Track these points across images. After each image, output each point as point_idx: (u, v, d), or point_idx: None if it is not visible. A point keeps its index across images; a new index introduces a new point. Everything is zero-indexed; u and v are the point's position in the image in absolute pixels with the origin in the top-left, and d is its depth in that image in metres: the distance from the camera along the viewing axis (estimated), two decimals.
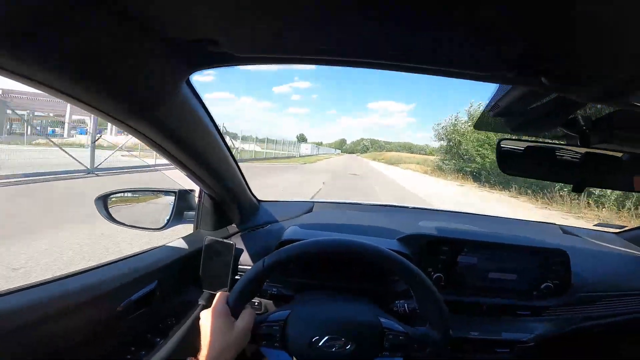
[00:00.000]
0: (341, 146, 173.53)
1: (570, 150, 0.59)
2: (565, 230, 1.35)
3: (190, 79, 0.53)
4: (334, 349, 0.64)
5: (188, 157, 0.68)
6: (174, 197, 0.97)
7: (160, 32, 0.39)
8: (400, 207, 1.45)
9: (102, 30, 0.35)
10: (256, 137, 22.57)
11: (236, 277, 0.93)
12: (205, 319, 0.62)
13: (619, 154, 0.61)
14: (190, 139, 0.64)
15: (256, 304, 0.95)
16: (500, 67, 0.40)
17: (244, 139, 20.79)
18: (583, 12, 0.29)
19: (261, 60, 0.47)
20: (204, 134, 0.67)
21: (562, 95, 0.49)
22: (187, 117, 0.59)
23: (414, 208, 1.45)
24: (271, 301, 0.94)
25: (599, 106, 0.59)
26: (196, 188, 0.98)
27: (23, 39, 0.30)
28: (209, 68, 0.50)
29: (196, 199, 1.00)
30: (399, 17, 0.33)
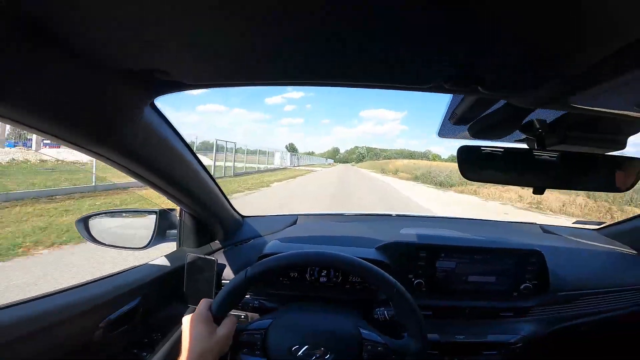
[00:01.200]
0: (334, 155, 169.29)
1: (528, 153, 0.61)
2: (545, 229, 1.37)
3: (154, 102, 0.55)
4: (313, 358, 0.66)
5: (159, 178, 0.69)
6: (155, 217, 0.98)
7: (112, 64, 0.40)
8: (384, 215, 1.47)
9: (52, 66, 0.37)
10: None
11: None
12: (188, 323, 0.63)
13: (576, 155, 0.64)
14: (159, 161, 0.65)
15: (242, 317, 0.95)
16: (436, 79, 0.42)
17: None
18: (507, 19, 0.31)
19: (214, 85, 0.49)
20: (173, 155, 0.68)
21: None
22: (154, 140, 0.60)
23: (397, 215, 1.46)
24: (256, 314, 0.95)
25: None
26: (177, 207, 0.99)
27: None
28: (166, 93, 0.52)
29: (177, 218, 1.01)
30: (339, 39, 0.35)
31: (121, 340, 0.76)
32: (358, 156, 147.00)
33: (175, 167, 0.71)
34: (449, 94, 0.58)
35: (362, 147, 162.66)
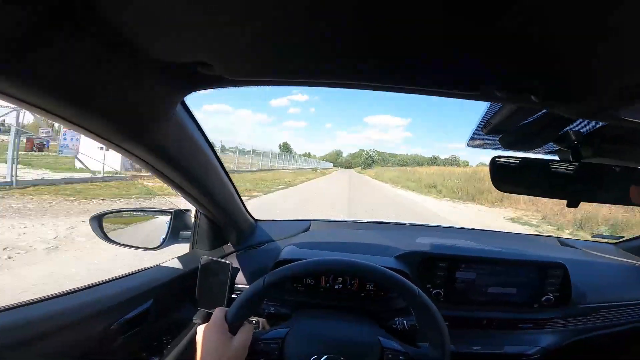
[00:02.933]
0: (336, 159, 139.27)
1: (563, 165, 0.60)
2: (563, 242, 1.35)
3: (184, 99, 0.54)
4: None
5: (184, 179, 0.68)
6: (169, 217, 0.97)
7: (153, 57, 0.39)
8: (397, 223, 1.45)
9: (95, 57, 0.35)
10: None
11: (232, 295, 0.93)
12: (203, 333, 0.61)
13: (612, 168, 0.62)
14: (186, 161, 0.64)
15: (254, 322, 0.93)
16: (489, 87, 0.41)
17: None
18: (567, 31, 0.30)
19: (255, 82, 0.47)
20: (200, 156, 0.67)
21: (552, 112, 0.49)
22: (183, 139, 0.59)
23: (410, 224, 1.44)
24: (269, 320, 0.93)
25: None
26: (192, 208, 0.98)
27: (14, 61, 0.30)
28: (203, 89, 0.51)
29: (192, 219, 1.00)
30: (391, 41, 0.34)
31: (132, 343, 0.75)
32: (365, 160, 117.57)
33: (199, 168, 0.69)
34: (484, 103, 0.56)
35: (372, 150, 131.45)
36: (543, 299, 0.96)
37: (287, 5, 0.29)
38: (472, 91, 0.43)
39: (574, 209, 0.61)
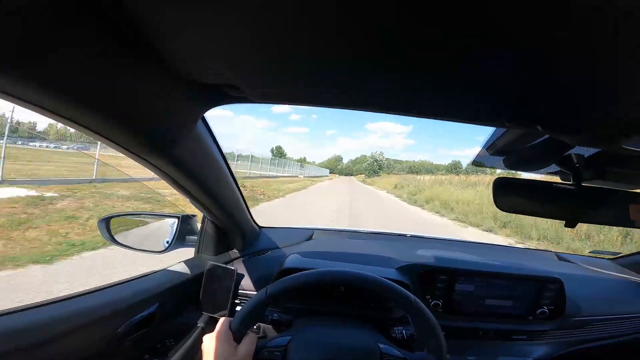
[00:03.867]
0: (335, 165, 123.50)
1: (563, 187, 0.62)
2: (561, 257, 1.37)
3: (204, 115, 0.56)
4: None
5: (197, 187, 0.70)
6: (176, 222, 0.98)
7: (184, 76, 0.41)
8: (399, 235, 1.47)
9: (131, 74, 0.37)
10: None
11: (236, 301, 0.94)
12: (208, 342, 0.62)
13: (610, 190, 0.64)
14: (202, 172, 0.66)
15: (254, 327, 0.95)
16: (500, 117, 0.43)
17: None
18: (570, 67, 0.32)
19: (277, 102, 0.50)
20: (215, 167, 0.69)
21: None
22: (201, 152, 0.61)
23: (412, 236, 1.46)
24: (271, 326, 0.95)
25: None
26: (198, 213, 1.00)
27: (51, 74, 0.32)
28: (225, 104, 0.53)
29: (198, 224, 1.02)
30: (408, 75, 0.36)
31: (137, 346, 0.76)
32: (370, 165, 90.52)
33: (212, 178, 0.72)
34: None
35: (379, 153, 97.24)
36: (538, 311, 0.98)
37: (315, 41, 0.31)
38: (481, 122, 0.45)
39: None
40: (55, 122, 0.40)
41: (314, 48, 0.33)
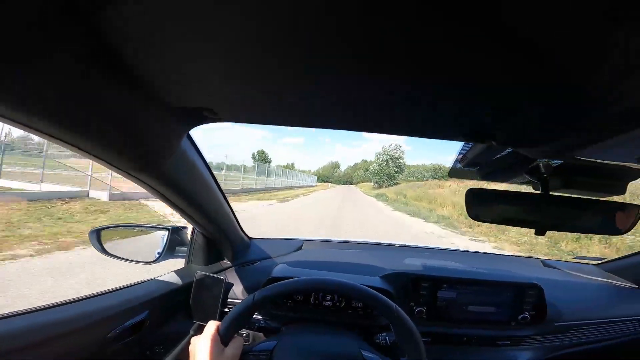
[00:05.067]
0: (332, 172, 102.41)
1: (532, 196, 0.65)
2: (546, 263, 1.40)
3: (189, 132, 0.59)
4: None
5: (185, 202, 0.73)
6: (166, 233, 1.01)
7: (164, 100, 0.44)
8: (388, 244, 1.49)
9: (113, 95, 0.40)
10: None
11: (225, 309, 0.96)
12: (196, 344, 0.65)
13: (577, 199, 0.67)
14: (190, 187, 0.69)
15: (244, 335, 0.96)
16: (457, 134, 0.47)
17: None
18: (522, 85, 0.36)
19: (251, 122, 0.53)
20: (201, 181, 0.72)
21: None
22: (187, 167, 0.64)
23: (400, 246, 1.48)
24: (260, 333, 0.97)
25: None
26: (188, 225, 1.02)
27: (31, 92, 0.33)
28: (207, 123, 0.56)
29: (188, 236, 1.04)
30: (378, 97, 0.40)
31: (127, 352, 0.78)
32: (381, 168, 59.15)
33: (199, 191, 0.74)
34: None
35: (393, 146, 62.67)
36: (519, 317, 1.01)
37: (287, 67, 0.35)
38: (445, 136, 0.49)
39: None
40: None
41: (286, 78, 0.37)
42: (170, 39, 0.31)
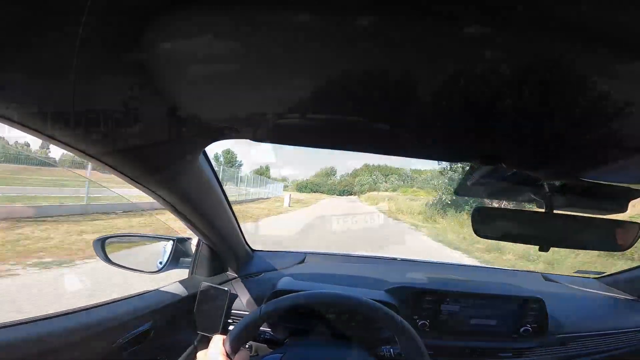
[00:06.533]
0: (326, 180, 59.89)
1: (537, 214, 0.66)
2: (547, 277, 1.41)
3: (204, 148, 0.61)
4: None
5: (197, 215, 0.74)
6: (171, 244, 1.01)
7: (188, 119, 0.46)
8: (390, 258, 1.50)
9: (144, 114, 0.42)
10: None
11: (229, 321, 0.96)
12: (203, 358, 0.64)
13: (581, 217, 0.68)
14: (201, 200, 0.70)
15: (247, 346, 0.96)
16: (467, 158, 0.49)
17: None
18: (530, 112, 0.37)
19: (270, 142, 0.55)
20: (213, 195, 0.74)
21: None
22: (201, 182, 0.66)
23: (402, 260, 1.49)
24: (264, 345, 0.96)
25: None
26: (193, 236, 1.02)
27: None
28: (223, 139, 0.58)
29: (192, 247, 1.04)
30: (405, 121, 0.42)
31: None
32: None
33: (211, 205, 0.76)
34: None
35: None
36: (521, 329, 1.02)
37: (306, 99, 0.36)
38: (456, 160, 0.51)
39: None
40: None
41: (306, 106, 0.38)
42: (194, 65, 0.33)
